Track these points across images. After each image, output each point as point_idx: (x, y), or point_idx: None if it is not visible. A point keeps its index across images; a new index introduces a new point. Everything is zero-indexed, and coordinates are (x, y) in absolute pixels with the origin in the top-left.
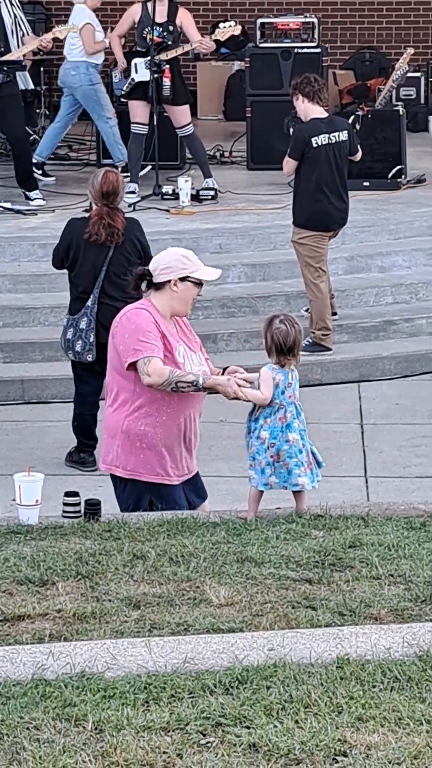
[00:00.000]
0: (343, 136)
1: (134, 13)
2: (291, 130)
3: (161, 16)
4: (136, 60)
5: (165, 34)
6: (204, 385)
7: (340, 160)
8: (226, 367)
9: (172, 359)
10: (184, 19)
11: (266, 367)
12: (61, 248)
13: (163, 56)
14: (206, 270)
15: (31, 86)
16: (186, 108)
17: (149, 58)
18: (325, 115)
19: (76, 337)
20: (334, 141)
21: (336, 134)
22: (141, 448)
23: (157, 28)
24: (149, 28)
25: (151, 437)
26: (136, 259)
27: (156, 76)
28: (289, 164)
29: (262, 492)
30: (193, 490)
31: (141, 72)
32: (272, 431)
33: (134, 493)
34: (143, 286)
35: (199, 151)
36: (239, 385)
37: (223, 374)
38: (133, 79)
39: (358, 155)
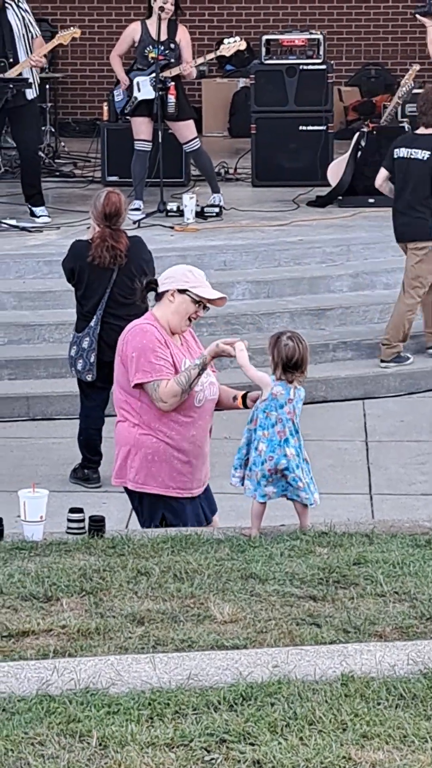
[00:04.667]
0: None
1: (134, 32)
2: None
3: (162, 33)
4: (138, 78)
5: (167, 51)
6: (207, 361)
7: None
8: (246, 392)
9: (177, 371)
10: (183, 37)
11: (270, 376)
12: (66, 269)
13: (167, 73)
14: (208, 289)
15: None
16: (191, 123)
17: (153, 75)
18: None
19: (78, 356)
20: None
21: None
22: (153, 461)
23: (159, 46)
24: (150, 47)
25: (162, 451)
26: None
27: (161, 93)
28: None
29: (264, 507)
30: (207, 503)
31: (144, 90)
32: (270, 444)
33: (147, 506)
34: (151, 296)
35: (207, 166)
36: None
37: (243, 399)
38: (135, 98)
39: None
